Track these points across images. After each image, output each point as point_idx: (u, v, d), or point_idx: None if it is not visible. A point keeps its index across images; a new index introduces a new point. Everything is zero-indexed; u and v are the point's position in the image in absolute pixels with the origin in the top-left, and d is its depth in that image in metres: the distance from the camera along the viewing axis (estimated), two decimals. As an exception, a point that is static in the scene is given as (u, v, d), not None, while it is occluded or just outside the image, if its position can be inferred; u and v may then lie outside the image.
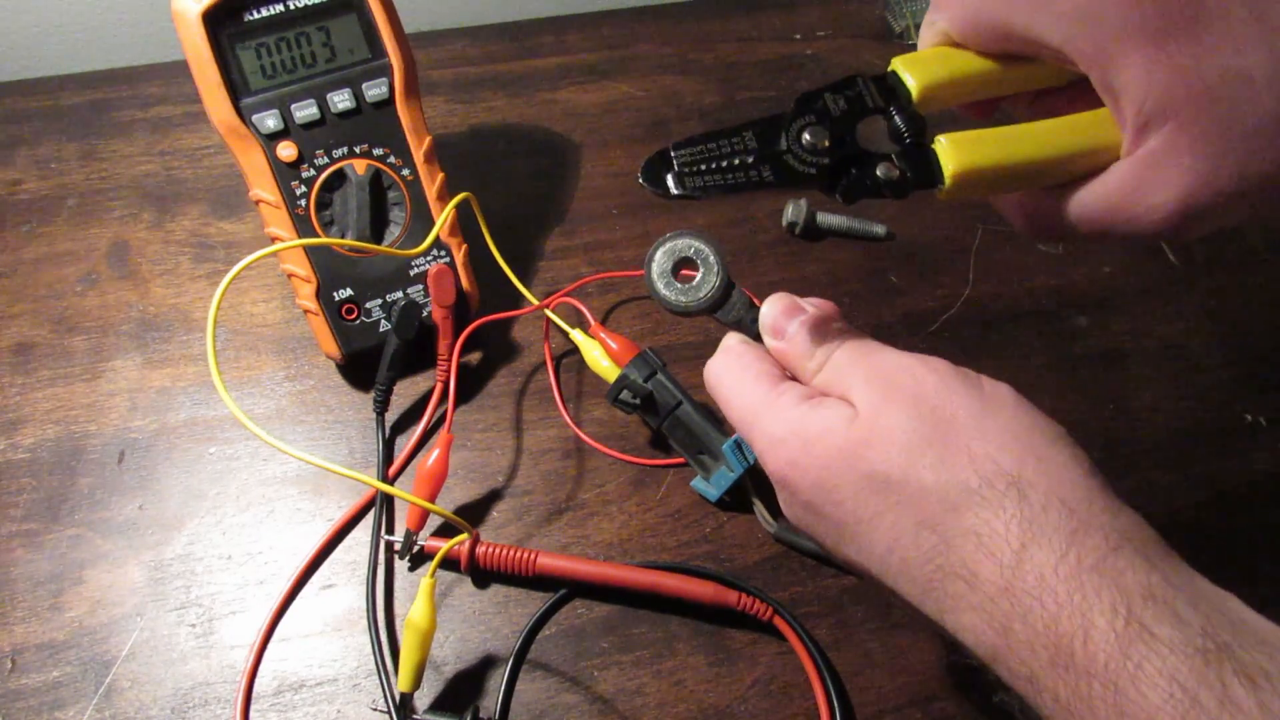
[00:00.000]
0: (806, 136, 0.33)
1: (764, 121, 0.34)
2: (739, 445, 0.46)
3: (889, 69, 0.34)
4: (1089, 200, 0.31)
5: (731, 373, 0.35)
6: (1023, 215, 0.34)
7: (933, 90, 0.33)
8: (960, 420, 0.29)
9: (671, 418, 0.47)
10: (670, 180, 0.33)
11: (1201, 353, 0.55)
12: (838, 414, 0.31)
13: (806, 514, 0.32)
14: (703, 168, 0.33)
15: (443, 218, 0.49)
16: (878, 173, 0.33)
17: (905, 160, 0.32)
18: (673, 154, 0.33)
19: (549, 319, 0.52)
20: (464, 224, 0.52)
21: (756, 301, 0.36)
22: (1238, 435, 0.51)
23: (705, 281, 0.36)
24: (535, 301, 0.52)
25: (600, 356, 0.50)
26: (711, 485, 0.46)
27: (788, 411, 0.32)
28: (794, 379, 0.34)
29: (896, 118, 0.33)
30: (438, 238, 0.50)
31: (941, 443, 0.29)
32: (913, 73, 0.33)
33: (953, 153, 0.32)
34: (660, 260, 0.37)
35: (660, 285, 0.36)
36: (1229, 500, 0.48)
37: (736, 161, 0.33)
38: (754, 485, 0.47)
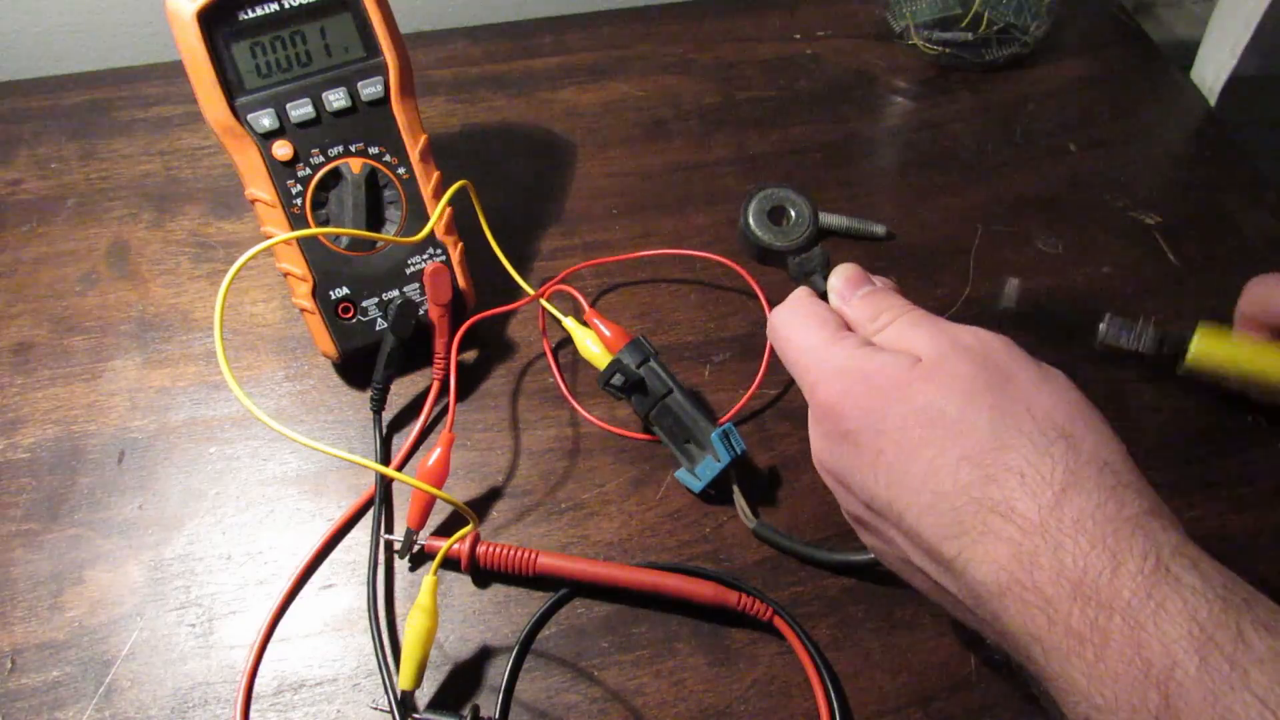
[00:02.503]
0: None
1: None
2: (727, 435, 0.46)
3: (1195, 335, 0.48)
4: None
5: (797, 316, 0.37)
6: None
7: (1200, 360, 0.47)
8: (1022, 380, 0.31)
9: (661, 405, 0.47)
10: None
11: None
12: (901, 358, 0.33)
13: (843, 444, 0.33)
14: None
15: (441, 204, 0.49)
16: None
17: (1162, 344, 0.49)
18: None
19: (544, 308, 0.52)
20: (460, 221, 0.52)
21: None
22: (1238, 435, 0.51)
23: (796, 227, 0.40)
24: (530, 291, 0.52)
25: (593, 344, 0.50)
26: (696, 476, 0.46)
27: (852, 350, 0.34)
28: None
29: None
30: (432, 233, 0.50)
31: (1002, 392, 0.31)
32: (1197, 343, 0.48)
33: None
34: (759, 201, 0.40)
35: (755, 224, 0.40)
36: (1229, 500, 0.48)
37: None
38: (737, 477, 0.47)
